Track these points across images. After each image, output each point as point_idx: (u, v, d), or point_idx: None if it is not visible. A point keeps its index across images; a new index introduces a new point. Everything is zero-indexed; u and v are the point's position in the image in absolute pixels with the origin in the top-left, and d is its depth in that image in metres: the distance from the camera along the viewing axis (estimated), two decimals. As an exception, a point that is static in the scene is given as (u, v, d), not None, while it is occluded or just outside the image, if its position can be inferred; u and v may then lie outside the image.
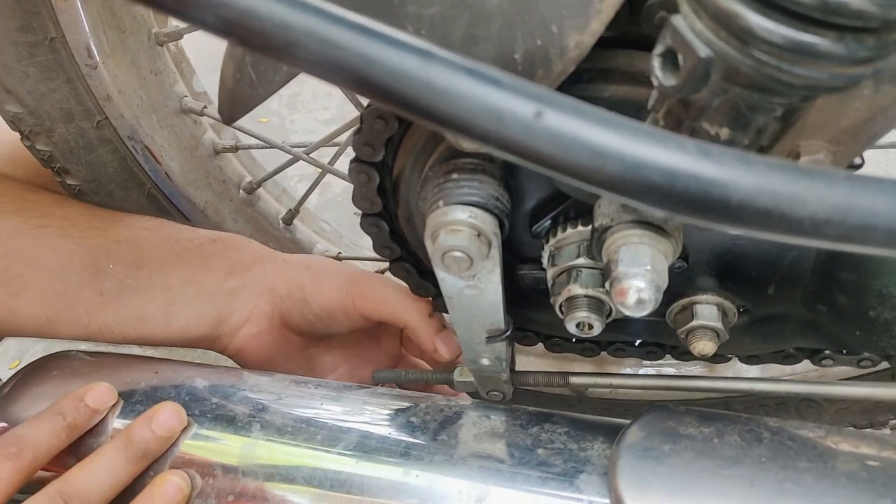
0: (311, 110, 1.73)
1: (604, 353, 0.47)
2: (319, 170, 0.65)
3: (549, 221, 0.35)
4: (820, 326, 0.37)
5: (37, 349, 1.05)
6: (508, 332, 0.36)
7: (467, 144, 0.29)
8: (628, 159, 0.17)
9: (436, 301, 0.46)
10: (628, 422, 0.36)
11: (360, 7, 0.19)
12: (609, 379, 0.42)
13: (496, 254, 0.29)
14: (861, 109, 0.25)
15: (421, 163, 0.34)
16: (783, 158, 0.26)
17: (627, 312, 0.27)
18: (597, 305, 0.33)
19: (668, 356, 0.46)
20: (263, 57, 0.29)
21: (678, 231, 0.29)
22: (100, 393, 0.41)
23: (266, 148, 0.63)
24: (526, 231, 0.36)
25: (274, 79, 0.30)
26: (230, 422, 0.40)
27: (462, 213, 0.29)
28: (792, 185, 0.17)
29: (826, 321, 0.36)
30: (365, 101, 0.34)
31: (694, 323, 0.36)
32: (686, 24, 0.20)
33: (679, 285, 0.36)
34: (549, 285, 0.35)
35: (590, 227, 0.32)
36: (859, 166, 0.31)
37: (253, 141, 0.63)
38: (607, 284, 0.28)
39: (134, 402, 0.42)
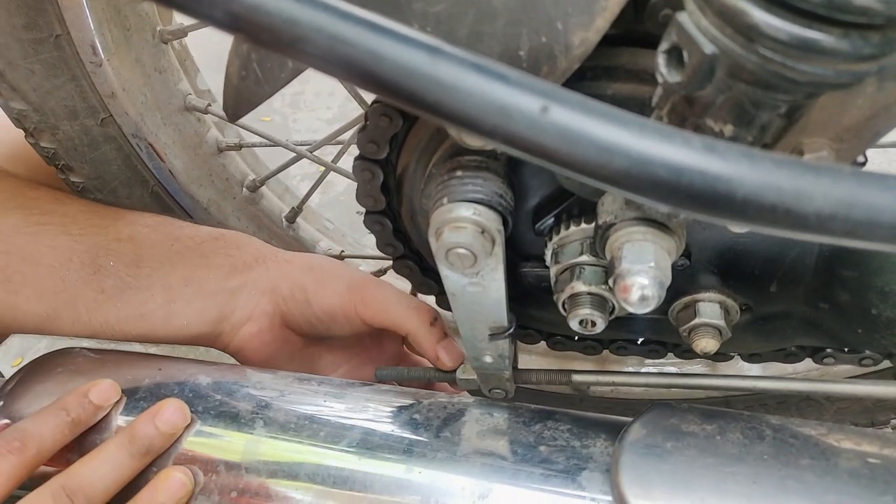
0: (314, 109, 1.73)
1: (606, 353, 0.47)
2: (322, 168, 0.65)
3: (553, 219, 0.35)
4: (822, 324, 0.37)
5: (39, 347, 1.05)
6: (511, 330, 0.36)
7: (471, 141, 0.29)
8: (635, 155, 0.17)
9: (439, 298, 0.46)
10: (630, 419, 0.36)
11: (367, 4, 0.19)
12: (611, 377, 0.42)
13: (499, 251, 0.30)
14: (864, 107, 0.25)
15: (425, 160, 0.34)
16: (788, 154, 0.26)
17: (631, 309, 0.27)
18: (600, 302, 0.33)
19: (670, 355, 0.46)
20: (270, 54, 0.29)
21: (681, 228, 0.29)
22: (103, 389, 0.41)
23: (269, 146, 0.63)
24: (529, 229, 0.36)
25: (279, 76, 0.30)
26: (233, 418, 0.40)
27: (466, 210, 0.29)
28: (797, 181, 0.17)
29: (828, 319, 0.36)
30: (369, 100, 0.34)
31: (696, 321, 0.36)
32: (691, 20, 0.20)
33: (682, 283, 0.36)
34: (552, 283, 0.35)
35: (593, 224, 0.32)
36: (862, 164, 0.31)
37: (256, 139, 0.63)
38: (611, 281, 0.28)
39: (137, 398, 0.42)
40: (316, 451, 0.38)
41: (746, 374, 0.59)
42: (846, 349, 0.42)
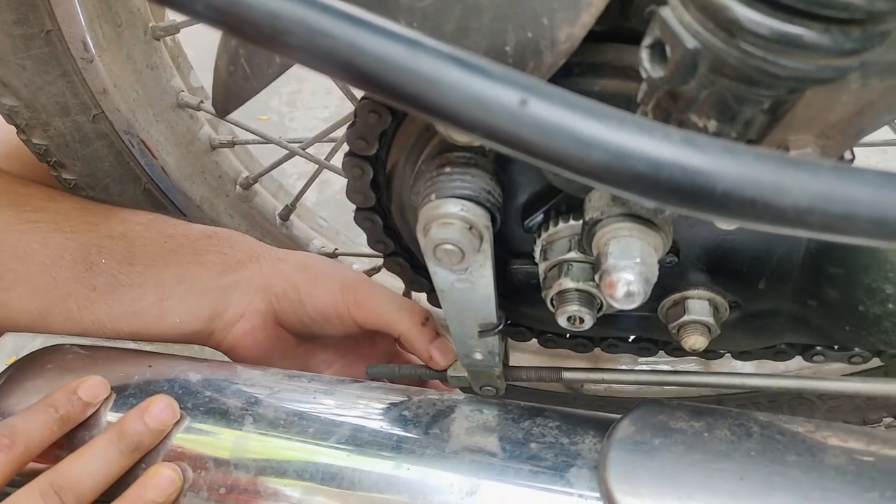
0: (311, 108, 1.73)
1: (598, 351, 0.47)
2: (316, 167, 0.65)
3: (541, 216, 0.35)
4: (810, 321, 0.37)
5: (33, 345, 1.05)
6: (501, 327, 0.36)
7: (459, 137, 0.29)
8: (613, 148, 0.17)
9: (429, 295, 0.46)
10: (619, 416, 0.36)
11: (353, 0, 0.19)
12: (602, 374, 0.42)
13: (488, 247, 0.30)
14: (849, 104, 0.25)
15: (414, 157, 0.34)
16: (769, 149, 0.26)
17: (617, 305, 0.27)
18: (588, 299, 0.33)
19: (665, 355, 0.46)
20: (256, 48, 0.29)
21: (668, 224, 0.29)
22: (92, 386, 0.41)
23: (263, 143, 0.63)
24: (518, 226, 0.36)
25: (267, 72, 0.30)
26: (223, 415, 0.40)
27: (454, 207, 0.29)
28: (776, 175, 0.17)
29: (816, 316, 0.36)
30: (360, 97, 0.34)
31: (685, 318, 0.36)
32: (674, 15, 0.20)
33: (670, 280, 0.36)
34: (541, 279, 0.35)
35: (581, 221, 0.32)
36: (850, 161, 0.31)
37: (249, 136, 0.63)
38: (597, 277, 0.28)
39: (127, 395, 0.42)
40: (305, 447, 0.38)
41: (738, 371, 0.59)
42: (835, 346, 0.42)
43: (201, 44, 0.63)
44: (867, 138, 0.28)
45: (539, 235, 0.35)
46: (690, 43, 0.20)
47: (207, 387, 0.42)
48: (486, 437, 0.38)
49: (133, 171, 0.56)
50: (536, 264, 0.35)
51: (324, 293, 0.48)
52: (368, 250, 0.45)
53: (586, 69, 0.29)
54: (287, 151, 0.63)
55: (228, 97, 0.32)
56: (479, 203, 0.29)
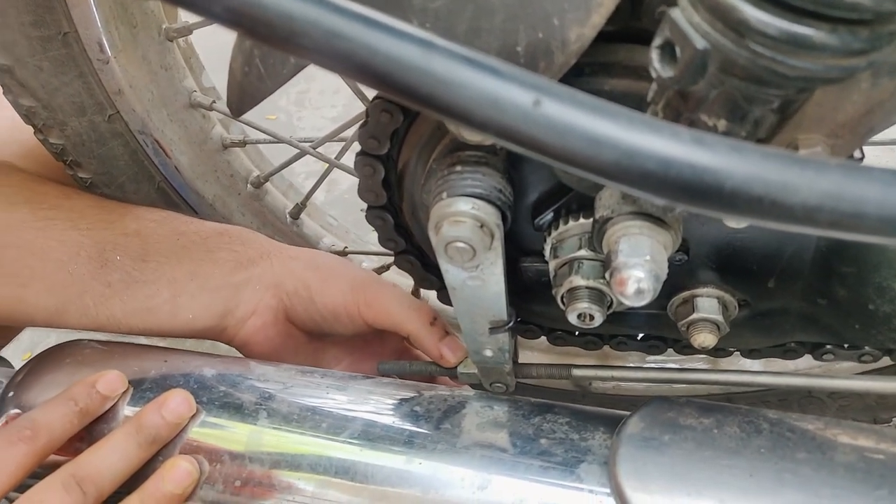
0: (319, 107, 1.74)
1: (607, 349, 0.47)
2: (326, 165, 0.66)
3: (552, 214, 0.35)
4: (820, 320, 0.37)
5: (49, 341, 1.06)
6: (511, 324, 0.36)
7: (470, 136, 0.29)
8: (624, 147, 0.17)
9: (440, 293, 0.47)
10: (629, 413, 0.37)
11: (367, 1, 0.19)
12: (611, 372, 0.42)
13: (498, 245, 0.30)
14: (859, 103, 0.25)
15: (425, 156, 0.35)
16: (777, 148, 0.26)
17: (627, 302, 0.27)
18: (598, 297, 0.34)
19: (671, 352, 0.46)
20: (270, 48, 0.29)
21: (678, 222, 0.29)
22: (111, 380, 0.42)
23: (274, 143, 0.63)
24: (528, 224, 0.36)
25: (282, 72, 0.31)
26: (237, 409, 0.41)
27: (465, 205, 0.29)
28: (784, 173, 0.17)
29: (826, 315, 0.36)
30: (371, 96, 0.34)
31: (695, 315, 0.37)
32: (684, 16, 0.21)
33: (680, 278, 0.36)
34: (551, 277, 0.35)
35: (591, 219, 0.32)
36: (860, 160, 0.31)
37: (261, 135, 0.64)
38: (607, 275, 0.28)
39: (144, 389, 0.43)
40: (318, 441, 0.39)
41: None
42: (845, 345, 0.42)
43: (211, 45, 0.63)
44: (877, 137, 0.28)
45: (549, 233, 0.35)
46: (700, 43, 0.20)
47: (222, 382, 0.43)
48: (497, 432, 0.39)
49: (147, 169, 0.56)
50: (547, 262, 0.36)
51: (334, 292, 0.48)
52: (378, 248, 0.45)
53: (597, 69, 0.29)
54: (298, 150, 0.63)
55: (243, 97, 0.33)
56: (490, 201, 0.30)
